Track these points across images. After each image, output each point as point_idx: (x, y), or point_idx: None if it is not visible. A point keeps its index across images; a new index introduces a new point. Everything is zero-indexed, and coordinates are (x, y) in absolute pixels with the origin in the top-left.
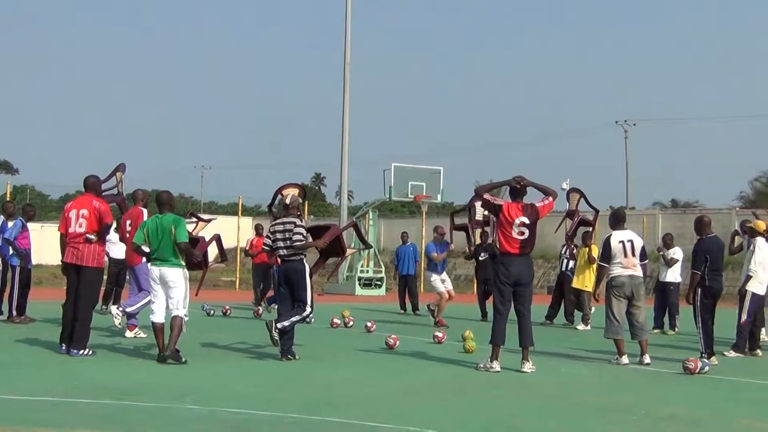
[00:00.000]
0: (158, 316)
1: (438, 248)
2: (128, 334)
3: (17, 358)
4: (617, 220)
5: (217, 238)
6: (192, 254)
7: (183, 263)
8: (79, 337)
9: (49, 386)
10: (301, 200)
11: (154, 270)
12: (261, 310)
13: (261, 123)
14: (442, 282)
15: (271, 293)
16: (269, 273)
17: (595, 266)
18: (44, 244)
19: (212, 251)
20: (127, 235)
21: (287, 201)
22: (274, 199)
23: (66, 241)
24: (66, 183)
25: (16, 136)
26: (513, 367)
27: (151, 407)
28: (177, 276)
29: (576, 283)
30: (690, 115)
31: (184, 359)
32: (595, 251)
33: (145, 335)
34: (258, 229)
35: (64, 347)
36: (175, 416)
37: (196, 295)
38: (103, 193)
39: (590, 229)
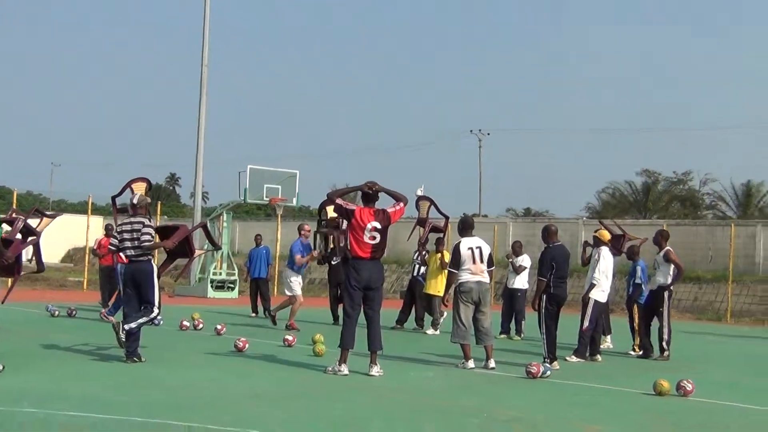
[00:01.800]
0: None
1: (302, 250)
2: None
3: None
4: (465, 227)
5: (35, 244)
6: (2, 255)
7: None
8: None
9: None
10: (149, 200)
11: None
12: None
13: (116, 121)
14: (299, 284)
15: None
16: (114, 274)
17: (446, 272)
18: None
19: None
20: None
21: (135, 201)
22: (121, 191)
23: None
24: None
25: None
26: (362, 371)
27: None
28: None
29: (427, 288)
30: (543, 126)
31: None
32: (448, 257)
33: None
34: (107, 229)
35: None
36: (11, 419)
37: (2, 302)
38: None
39: (442, 235)
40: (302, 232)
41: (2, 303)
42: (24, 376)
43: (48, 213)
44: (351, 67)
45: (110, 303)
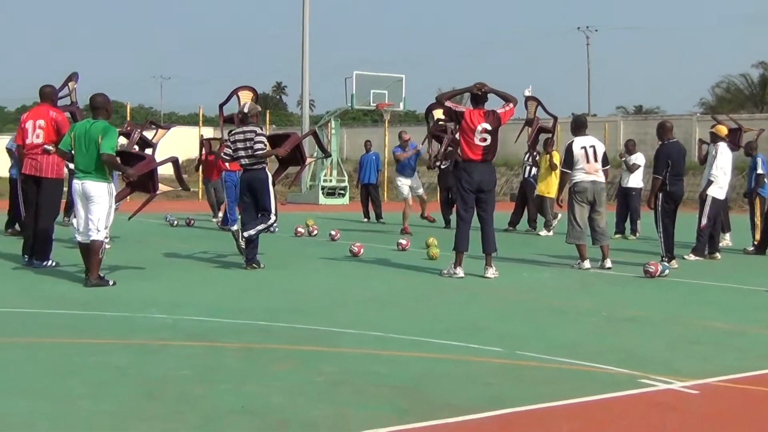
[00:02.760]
0: (80, 235)
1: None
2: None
3: None
4: (579, 126)
5: (175, 161)
6: (120, 169)
7: (108, 178)
8: (42, 248)
9: (12, 298)
10: (260, 108)
11: (77, 183)
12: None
13: (220, 33)
14: (410, 188)
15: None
16: (218, 185)
17: (557, 172)
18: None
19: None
20: None
21: (246, 110)
22: (227, 99)
23: (24, 152)
24: (22, 94)
25: None
26: (476, 273)
27: (116, 316)
28: (100, 191)
29: (539, 190)
30: (651, 23)
31: (112, 282)
32: (557, 158)
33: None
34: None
35: (26, 259)
36: (140, 325)
37: (129, 219)
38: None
39: (551, 135)
40: (402, 139)
41: (129, 219)
42: (150, 285)
43: (162, 125)
44: None
45: (220, 214)
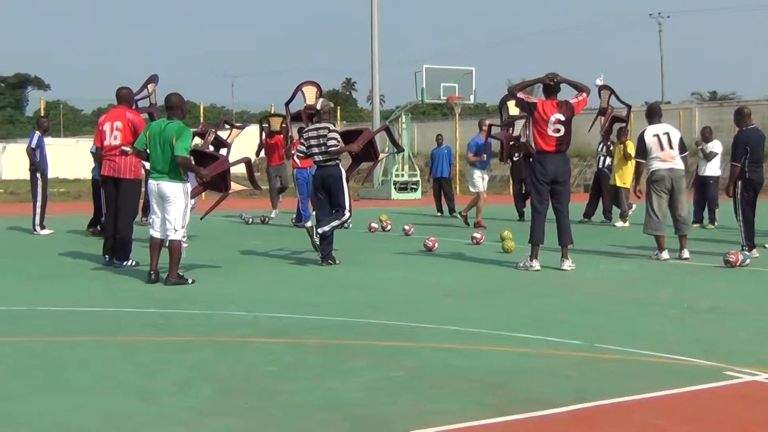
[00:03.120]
0: (156, 232)
1: (479, 146)
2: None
3: (61, 270)
4: (652, 114)
5: (248, 162)
6: (195, 171)
7: (184, 178)
8: (121, 248)
9: (95, 298)
10: (332, 105)
11: (152, 184)
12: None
13: (289, 30)
14: (482, 180)
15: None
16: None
17: (632, 162)
18: (80, 158)
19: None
20: None
21: (318, 106)
22: (292, 97)
23: (102, 154)
24: (98, 96)
25: (45, 52)
26: (553, 266)
27: (195, 314)
28: (175, 191)
29: (613, 180)
30: (725, 5)
31: (191, 280)
32: (631, 147)
33: (186, 245)
34: (267, 123)
35: (107, 259)
36: (219, 322)
37: (201, 219)
38: (136, 105)
39: (624, 125)
40: (482, 128)
41: (201, 219)
42: (228, 282)
43: (236, 124)
44: None
45: (276, 211)
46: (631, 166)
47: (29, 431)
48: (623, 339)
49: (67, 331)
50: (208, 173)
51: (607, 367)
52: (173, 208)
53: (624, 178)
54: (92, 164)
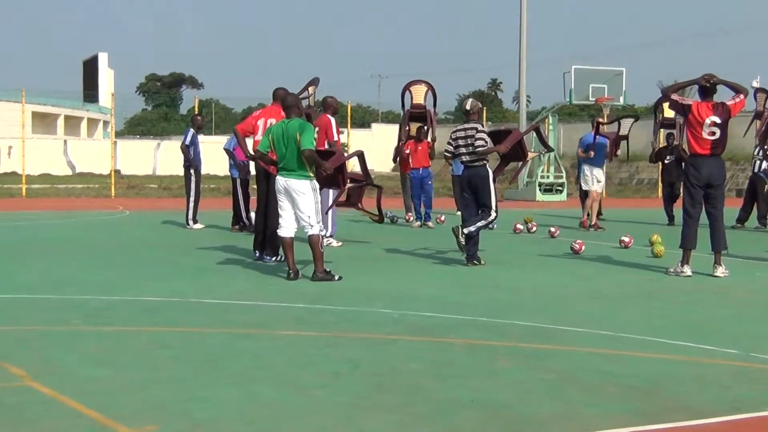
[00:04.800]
0: (285, 231)
1: (588, 144)
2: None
3: (214, 265)
4: None
5: (360, 155)
6: (319, 164)
7: (311, 174)
8: (272, 244)
9: (245, 291)
10: (480, 105)
11: (280, 181)
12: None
13: (434, 31)
14: (597, 181)
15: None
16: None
17: None
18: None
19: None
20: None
21: (467, 107)
22: (402, 98)
23: (254, 148)
24: (247, 95)
25: (199, 52)
26: (705, 272)
27: (343, 310)
28: (304, 187)
29: None
30: None
31: (338, 276)
32: None
33: (340, 244)
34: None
35: (257, 254)
36: (367, 319)
37: (325, 212)
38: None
39: None
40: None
41: (326, 213)
42: (374, 280)
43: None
44: None
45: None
46: None
47: (189, 418)
48: None
49: (218, 323)
50: (330, 166)
51: (764, 378)
52: (304, 200)
53: None
54: (226, 161)
